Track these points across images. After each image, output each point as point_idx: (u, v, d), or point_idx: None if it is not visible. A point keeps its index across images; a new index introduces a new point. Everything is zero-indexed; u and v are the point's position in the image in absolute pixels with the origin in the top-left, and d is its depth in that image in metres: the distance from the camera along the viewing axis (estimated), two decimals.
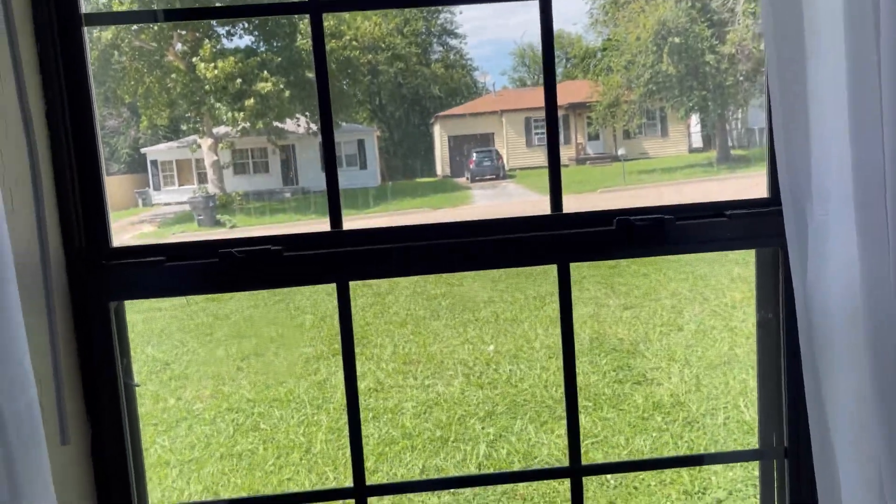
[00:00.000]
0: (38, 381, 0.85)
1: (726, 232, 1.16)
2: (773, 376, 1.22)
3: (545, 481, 3.93)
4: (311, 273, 1.14)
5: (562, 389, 5.51)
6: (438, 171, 17.97)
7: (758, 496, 3.93)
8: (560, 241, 1.15)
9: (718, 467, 3.97)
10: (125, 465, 1.12)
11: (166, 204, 16.00)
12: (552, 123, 1.27)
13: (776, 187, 1.18)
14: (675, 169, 15.45)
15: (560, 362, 5.97)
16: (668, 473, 3.95)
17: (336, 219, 1.16)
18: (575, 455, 1.21)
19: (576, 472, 1.20)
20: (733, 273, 7.78)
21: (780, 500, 1.23)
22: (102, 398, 1.10)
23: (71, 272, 1.10)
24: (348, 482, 4.36)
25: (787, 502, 1.21)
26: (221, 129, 15.80)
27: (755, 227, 1.16)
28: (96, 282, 1.10)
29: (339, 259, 1.13)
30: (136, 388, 1.14)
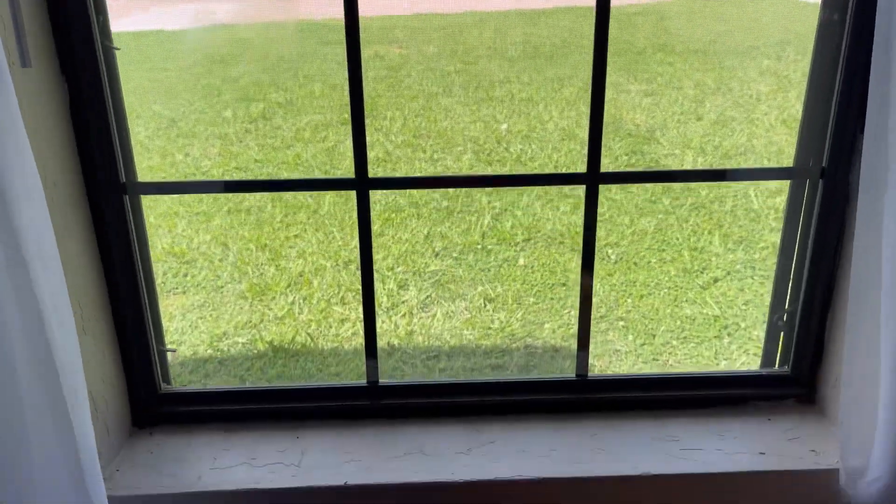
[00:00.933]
0: None
1: None
2: (825, 89, 1.09)
3: (549, 253, 3.98)
4: None
5: (572, 169, 5.45)
6: None
7: (755, 278, 3.94)
8: None
9: (719, 249, 4.01)
10: (108, 133, 1.03)
11: None
12: None
13: None
14: None
15: (572, 144, 5.86)
16: (669, 252, 3.99)
17: None
18: (594, 164, 1.12)
19: (593, 179, 1.11)
20: (762, 66, 7.41)
21: (805, 224, 1.16)
22: (77, 54, 0.99)
23: None
24: (354, 242, 4.43)
25: (814, 225, 1.14)
26: None
27: None
28: None
29: None
30: (117, 53, 1.02)
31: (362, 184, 1.09)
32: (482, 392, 1.47)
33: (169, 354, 1.50)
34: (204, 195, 4.94)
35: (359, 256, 1.12)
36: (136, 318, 1.26)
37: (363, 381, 1.45)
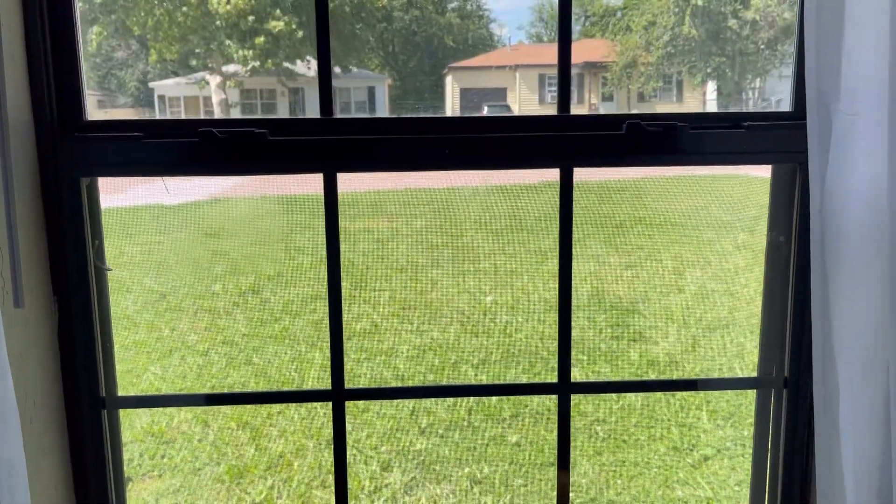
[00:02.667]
0: None
1: (743, 144, 1.08)
2: (779, 303, 1.15)
3: (536, 430, 3.93)
4: (296, 160, 1.07)
5: (556, 343, 5.51)
6: None
7: (745, 455, 3.90)
8: (565, 143, 1.07)
9: (708, 426, 3.97)
10: (93, 350, 1.06)
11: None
12: (565, 41, 1.18)
13: (799, 101, 1.10)
14: None
15: (556, 315, 5.98)
16: (658, 429, 3.94)
17: (327, 106, 1.09)
18: (564, 374, 1.16)
19: (564, 389, 1.14)
20: (738, 240, 7.73)
21: (775, 433, 1.18)
22: (70, 278, 1.04)
23: (40, 142, 1.03)
24: None
25: (783, 435, 1.16)
26: (231, 68, 15.56)
27: (775, 140, 1.08)
28: (67, 154, 1.03)
29: (327, 147, 1.06)
30: (109, 273, 1.08)
31: (338, 396, 1.11)
32: None
33: None
34: (188, 370, 4.91)
35: (333, 475, 1.12)
36: None
37: None
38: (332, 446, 1.12)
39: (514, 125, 1.09)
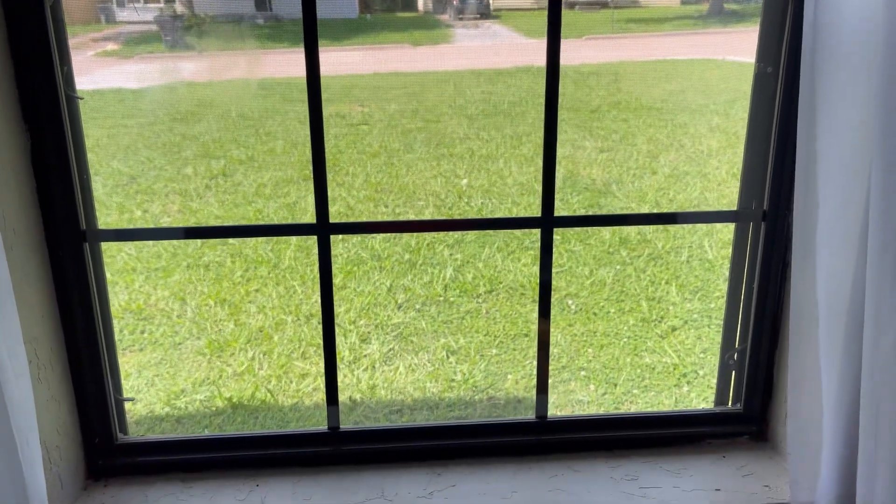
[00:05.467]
0: None
1: None
2: (762, 138, 1.16)
3: (511, 304, 4.02)
4: None
5: None
6: (420, 6, 17.04)
7: (711, 326, 4.01)
8: None
9: (677, 299, 4.08)
10: (70, 181, 1.04)
11: (131, 22, 15.07)
12: None
13: None
14: (665, 20, 14.86)
15: (531, 198, 5.96)
16: (628, 302, 4.05)
17: None
18: (548, 208, 1.17)
19: (547, 222, 1.16)
20: (713, 123, 7.71)
21: (751, 263, 1.21)
22: (41, 104, 1.01)
23: None
24: (316, 296, 4.41)
25: (759, 266, 1.19)
26: None
27: None
28: None
29: None
30: (80, 102, 1.04)
31: (323, 229, 1.11)
32: (443, 436, 1.47)
33: (127, 406, 1.48)
34: (163, 250, 4.88)
35: (320, 301, 1.13)
36: (93, 367, 1.25)
37: (324, 427, 1.44)
38: (319, 282, 1.13)
39: None
